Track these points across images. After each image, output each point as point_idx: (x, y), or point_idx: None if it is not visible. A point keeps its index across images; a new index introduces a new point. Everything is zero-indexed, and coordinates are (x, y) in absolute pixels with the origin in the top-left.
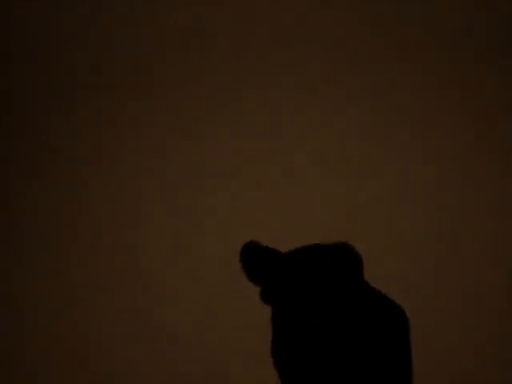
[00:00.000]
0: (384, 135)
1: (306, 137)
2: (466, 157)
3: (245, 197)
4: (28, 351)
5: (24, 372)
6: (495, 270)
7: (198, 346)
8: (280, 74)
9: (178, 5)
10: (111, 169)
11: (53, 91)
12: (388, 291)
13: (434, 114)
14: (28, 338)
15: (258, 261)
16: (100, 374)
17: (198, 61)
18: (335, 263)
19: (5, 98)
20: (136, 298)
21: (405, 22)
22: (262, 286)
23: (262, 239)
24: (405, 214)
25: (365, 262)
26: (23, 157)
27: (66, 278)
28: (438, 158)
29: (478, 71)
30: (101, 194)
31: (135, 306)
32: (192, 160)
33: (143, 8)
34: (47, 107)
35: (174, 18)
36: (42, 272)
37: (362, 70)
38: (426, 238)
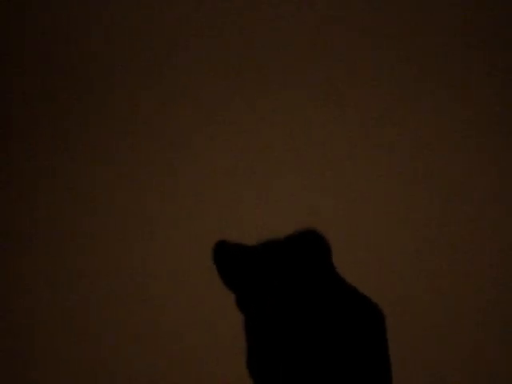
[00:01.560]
0: (382, 133)
1: (302, 135)
2: (466, 156)
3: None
4: (24, 352)
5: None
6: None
7: (195, 350)
8: (280, 71)
9: (179, 6)
10: (111, 171)
11: (50, 91)
12: (382, 290)
13: (434, 112)
14: (24, 340)
15: (229, 260)
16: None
17: (200, 60)
18: (304, 255)
19: (4, 97)
20: (134, 301)
21: (405, 24)
22: (237, 290)
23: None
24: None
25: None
26: (23, 159)
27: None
28: (438, 157)
29: (478, 72)
30: (99, 199)
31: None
32: (189, 160)
33: (143, 9)
34: (42, 108)
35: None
36: (39, 276)
37: (360, 69)
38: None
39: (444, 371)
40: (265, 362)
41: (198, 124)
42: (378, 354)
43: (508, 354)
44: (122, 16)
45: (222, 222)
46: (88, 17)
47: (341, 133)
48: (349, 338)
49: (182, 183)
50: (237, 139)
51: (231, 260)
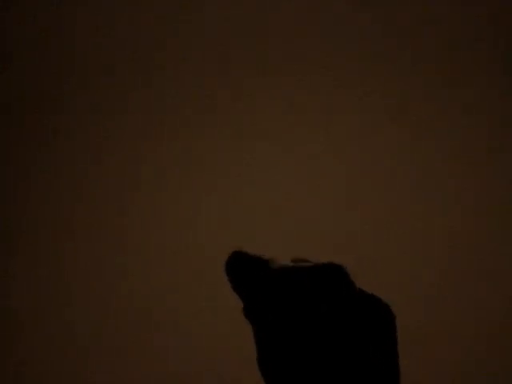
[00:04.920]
0: (385, 136)
1: (304, 138)
2: (466, 157)
3: (244, 201)
4: (25, 351)
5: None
6: (496, 273)
7: (196, 346)
8: (281, 71)
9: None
10: (110, 170)
11: (49, 89)
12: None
13: (435, 114)
14: (24, 338)
15: (243, 272)
16: (97, 373)
17: (198, 58)
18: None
19: (3, 96)
20: (133, 297)
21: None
22: (245, 300)
23: (260, 244)
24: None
25: (366, 265)
26: (22, 158)
27: (64, 278)
28: (438, 159)
29: (479, 71)
30: (99, 194)
31: (133, 306)
32: (190, 159)
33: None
34: (43, 107)
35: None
36: (38, 274)
37: (362, 70)
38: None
39: (449, 371)
40: (275, 365)
41: (204, 128)
42: (385, 355)
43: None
44: (123, 16)
45: (225, 229)
46: (89, 18)
47: (342, 137)
48: (357, 339)
49: (184, 187)
50: (240, 144)
51: (243, 271)
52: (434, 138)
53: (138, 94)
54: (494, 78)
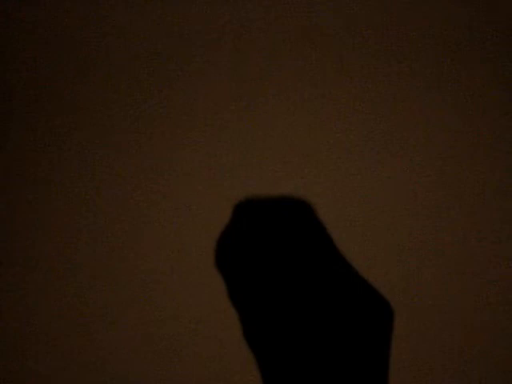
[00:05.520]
0: (383, 133)
1: (305, 137)
2: (465, 156)
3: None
4: (28, 349)
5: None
6: (496, 269)
7: (198, 344)
8: (282, 72)
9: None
10: (110, 169)
11: (48, 88)
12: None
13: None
14: (29, 337)
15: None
16: (99, 372)
17: (200, 60)
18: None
19: (3, 96)
20: (135, 295)
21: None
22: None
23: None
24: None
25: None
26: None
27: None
28: (438, 156)
29: (478, 69)
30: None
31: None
32: (192, 158)
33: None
34: (41, 108)
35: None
36: (40, 272)
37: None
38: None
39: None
40: (266, 358)
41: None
42: (379, 353)
43: None
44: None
45: (215, 214)
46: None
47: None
48: (351, 334)
49: (179, 179)
50: (234, 134)
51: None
52: (435, 137)
53: (139, 93)
54: (495, 78)
